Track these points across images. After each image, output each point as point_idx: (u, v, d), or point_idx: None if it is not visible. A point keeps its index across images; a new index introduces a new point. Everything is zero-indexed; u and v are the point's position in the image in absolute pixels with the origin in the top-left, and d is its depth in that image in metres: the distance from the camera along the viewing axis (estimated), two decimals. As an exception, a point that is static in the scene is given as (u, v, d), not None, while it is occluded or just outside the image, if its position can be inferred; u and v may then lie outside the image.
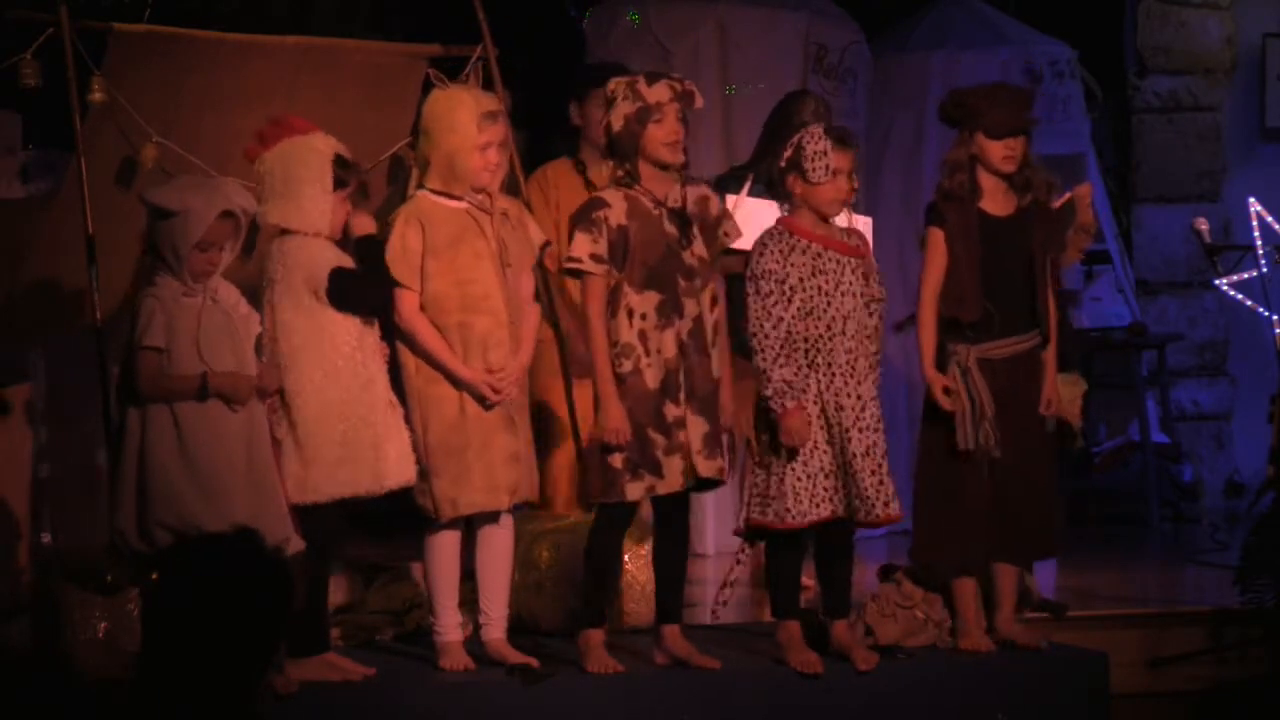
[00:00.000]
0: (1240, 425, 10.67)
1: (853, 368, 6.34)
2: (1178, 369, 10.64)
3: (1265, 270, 9.14)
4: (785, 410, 6.29)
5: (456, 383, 6.28)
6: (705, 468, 6.29)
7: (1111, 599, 7.72)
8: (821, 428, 6.33)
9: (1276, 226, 9.66)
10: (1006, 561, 6.69)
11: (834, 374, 6.33)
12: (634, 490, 6.23)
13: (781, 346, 6.31)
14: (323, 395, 6.10)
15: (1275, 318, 8.91)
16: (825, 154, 6.32)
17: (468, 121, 6.29)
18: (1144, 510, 9.77)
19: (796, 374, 6.32)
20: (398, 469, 6.20)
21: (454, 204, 6.33)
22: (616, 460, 6.20)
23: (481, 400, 6.29)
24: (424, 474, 6.26)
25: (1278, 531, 7.46)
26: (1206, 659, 7.19)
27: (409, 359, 6.33)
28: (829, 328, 6.34)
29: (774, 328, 6.31)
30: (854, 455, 6.30)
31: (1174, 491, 10.08)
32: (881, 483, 6.33)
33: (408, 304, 6.27)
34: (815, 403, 6.33)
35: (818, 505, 6.31)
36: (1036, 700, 6.57)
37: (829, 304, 6.35)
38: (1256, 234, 9.51)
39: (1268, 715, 7.14)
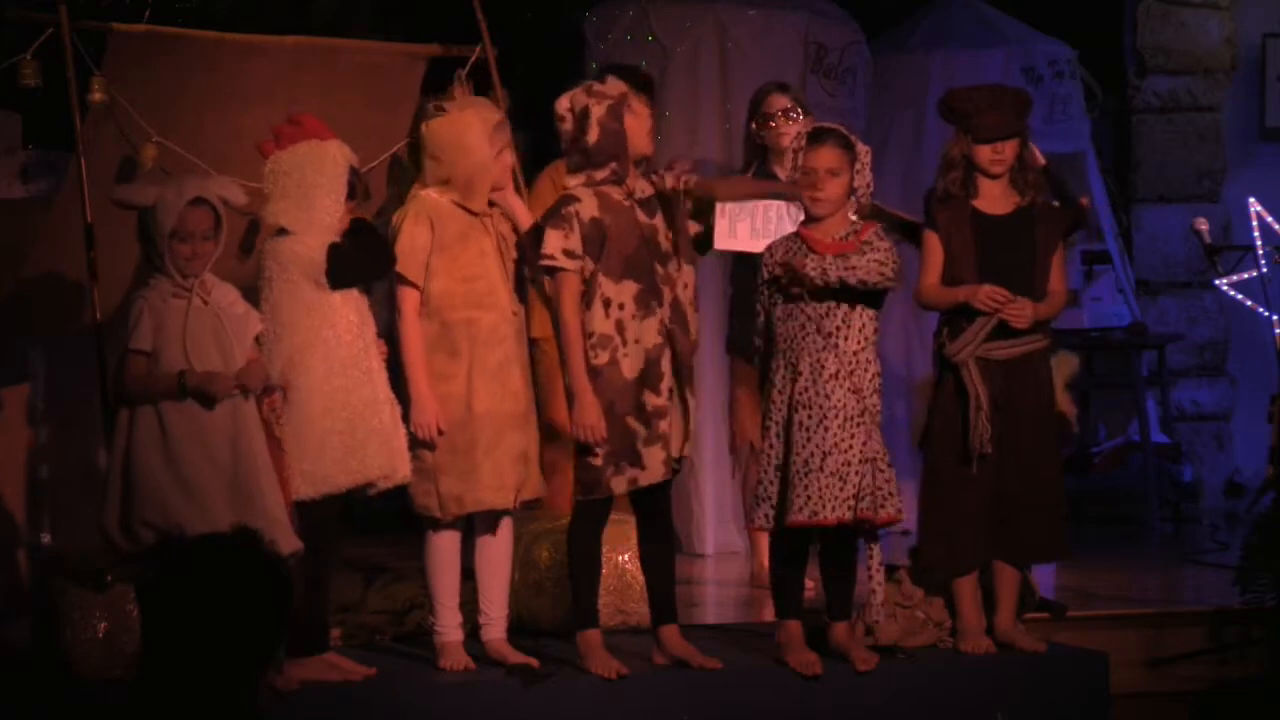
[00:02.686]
0: (1240, 425, 10.67)
1: (823, 366, 6.33)
2: (1178, 369, 10.63)
3: (1265, 270, 9.14)
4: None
5: (410, 393, 6.24)
6: (683, 449, 6.36)
7: (1111, 599, 7.71)
8: (786, 434, 6.34)
9: (1276, 226, 9.66)
10: (1007, 562, 6.69)
11: (800, 373, 6.33)
12: (618, 484, 6.23)
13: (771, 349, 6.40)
14: (327, 386, 6.09)
15: (1275, 318, 8.91)
16: (798, 153, 6.37)
17: (480, 141, 6.31)
18: (1144, 510, 9.76)
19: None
20: (401, 464, 6.20)
21: (459, 208, 6.33)
22: (597, 457, 6.20)
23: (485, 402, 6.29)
24: (427, 472, 6.25)
25: (1278, 531, 7.46)
26: (1206, 659, 7.19)
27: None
28: (802, 327, 6.35)
29: (756, 335, 6.43)
30: (809, 455, 6.28)
31: (1174, 491, 10.07)
32: (845, 483, 6.30)
33: (409, 302, 6.27)
34: (787, 404, 6.34)
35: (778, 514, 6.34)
36: (1036, 700, 6.57)
37: (805, 304, 6.35)
38: (1256, 234, 9.51)
39: (1268, 715, 7.14)
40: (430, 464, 6.25)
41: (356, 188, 6.24)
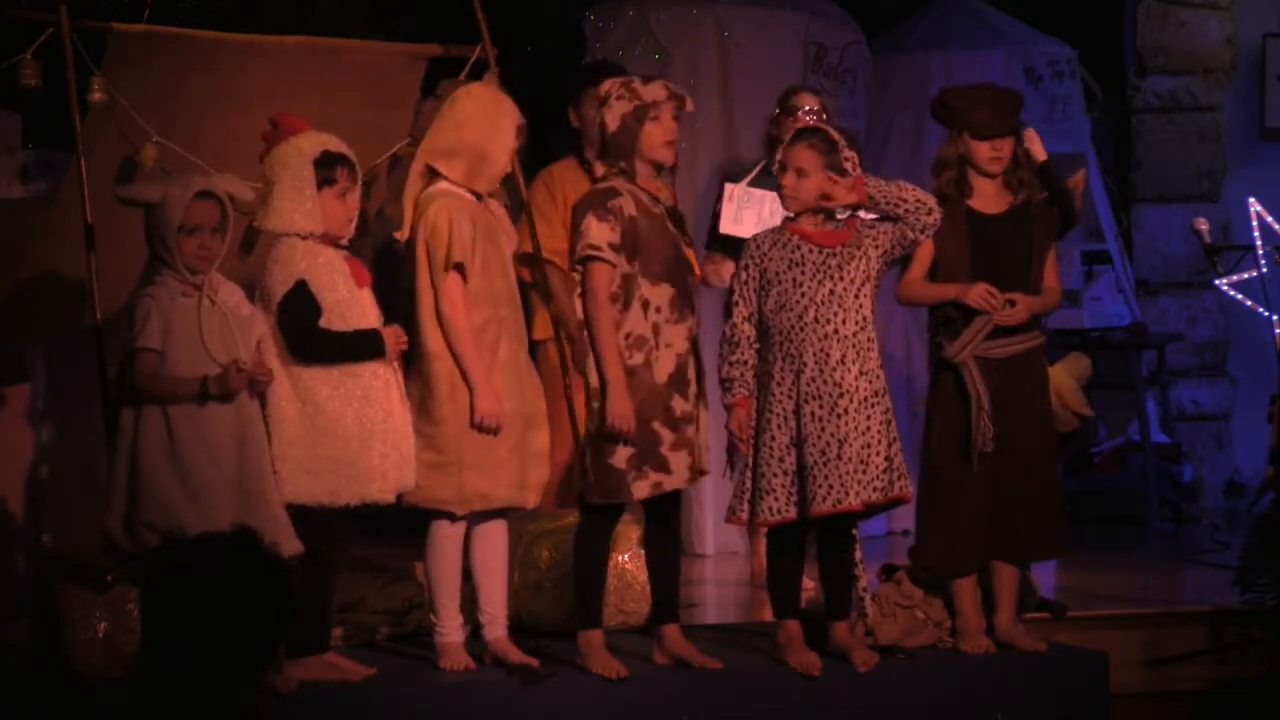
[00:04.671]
0: (1240, 425, 10.67)
1: (826, 355, 6.33)
2: (1178, 369, 10.64)
3: (1265, 270, 9.14)
4: (731, 403, 6.37)
5: (470, 386, 6.21)
6: (707, 462, 6.34)
7: (1111, 599, 7.71)
8: (796, 424, 6.31)
9: (1276, 226, 9.66)
10: (1007, 561, 6.69)
11: (805, 364, 6.33)
12: (640, 489, 6.20)
13: (736, 342, 6.37)
14: (325, 407, 6.06)
15: (1275, 318, 8.91)
16: (781, 147, 6.42)
17: (509, 129, 6.34)
18: (1144, 510, 9.76)
19: (757, 375, 6.36)
20: (398, 476, 6.18)
21: (475, 200, 6.33)
22: (620, 460, 6.18)
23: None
24: (451, 466, 6.22)
25: (1278, 531, 7.46)
26: (1206, 659, 7.19)
27: (444, 348, 6.25)
28: (799, 318, 6.34)
29: (731, 326, 6.39)
30: (824, 445, 6.28)
31: (1174, 491, 10.08)
32: (868, 465, 6.30)
33: (460, 292, 6.22)
34: (789, 398, 6.34)
35: (789, 506, 6.31)
36: (1036, 700, 6.57)
37: (801, 295, 6.35)
38: (1256, 234, 9.51)
39: (1268, 715, 7.14)
40: (455, 458, 6.22)
41: (333, 176, 6.12)
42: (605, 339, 6.18)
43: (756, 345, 6.40)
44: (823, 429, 6.28)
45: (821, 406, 6.29)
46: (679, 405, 6.23)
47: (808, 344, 6.33)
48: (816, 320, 6.33)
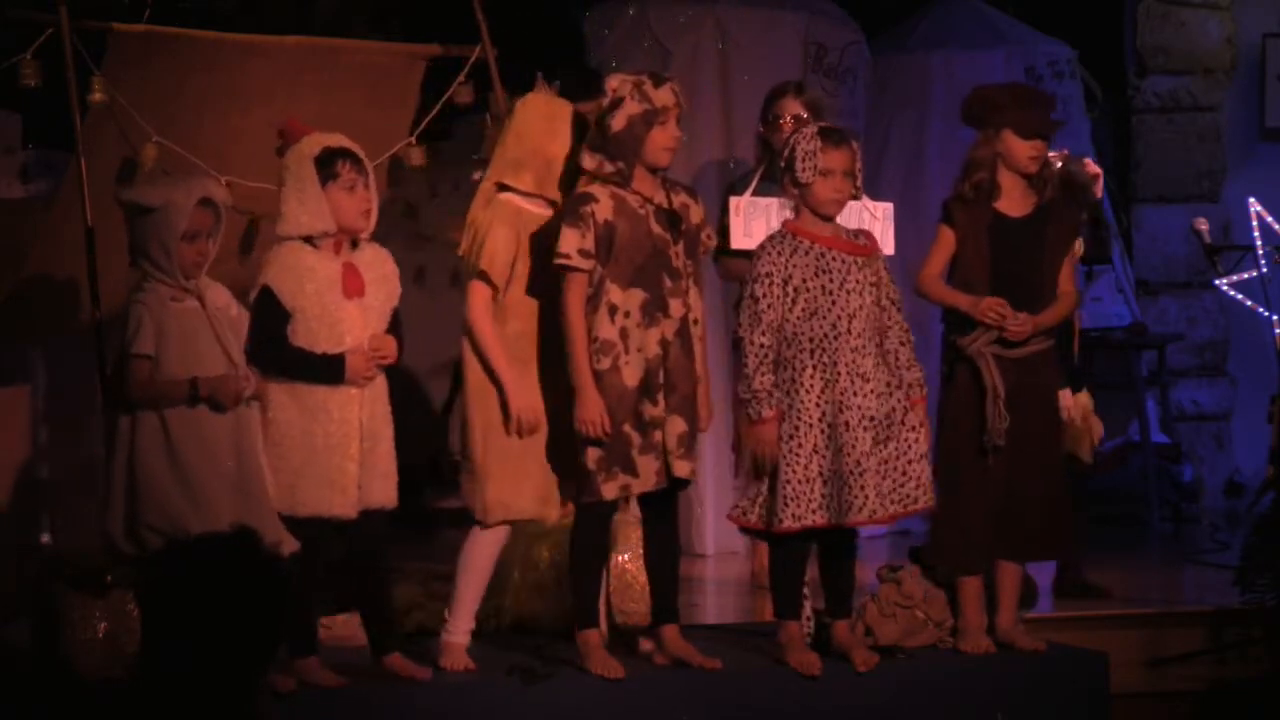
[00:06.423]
0: (1240, 425, 10.68)
1: (858, 367, 6.33)
2: (1178, 369, 10.64)
3: (1265, 270, 9.15)
4: (760, 419, 6.32)
5: (502, 393, 6.25)
6: (680, 468, 6.25)
7: (1111, 599, 7.71)
8: (822, 431, 6.31)
9: (1276, 226, 9.67)
10: (1012, 559, 6.68)
11: (838, 374, 6.31)
12: (609, 489, 6.21)
13: (766, 353, 6.32)
14: (277, 416, 6.02)
15: (1275, 318, 8.91)
16: (814, 154, 6.33)
17: (568, 133, 6.32)
18: (1144, 510, 9.76)
19: (777, 384, 6.33)
20: (365, 494, 6.11)
21: (539, 210, 6.33)
22: (591, 460, 6.19)
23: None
24: (473, 475, 6.24)
25: (1278, 531, 7.47)
26: (1206, 659, 7.19)
27: (473, 355, 6.28)
28: (833, 327, 6.33)
29: (761, 334, 6.32)
30: (860, 455, 6.29)
31: (1174, 491, 10.08)
32: (890, 480, 6.31)
33: (481, 299, 6.25)
34: (818, 405, 6.32)
35: (812, 511, 6.30)
36: (1036, 700, 6.57)
37: (833, 304, 6.33)
38: (1256, 234, 9.52)
39: (1268, 715, 7.15)
40: (480, 466, 6.25)
41: (336, 171, 6.03)
42: (575, 346, 6.20)
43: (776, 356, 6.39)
44: (857, 439, 6.28)
45: (854, 416, 6.29)
46: (649, 410, 6.22)
47: (841, 354, 6.31)
48: (850, 331, 6.32)
